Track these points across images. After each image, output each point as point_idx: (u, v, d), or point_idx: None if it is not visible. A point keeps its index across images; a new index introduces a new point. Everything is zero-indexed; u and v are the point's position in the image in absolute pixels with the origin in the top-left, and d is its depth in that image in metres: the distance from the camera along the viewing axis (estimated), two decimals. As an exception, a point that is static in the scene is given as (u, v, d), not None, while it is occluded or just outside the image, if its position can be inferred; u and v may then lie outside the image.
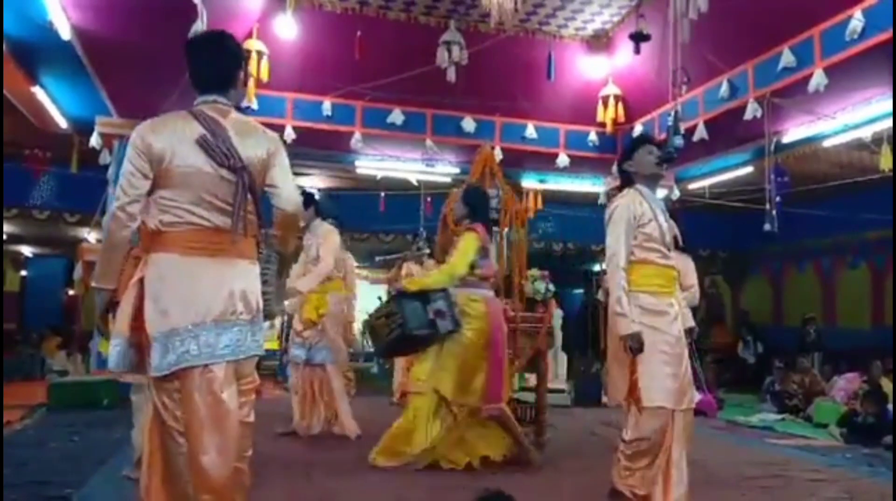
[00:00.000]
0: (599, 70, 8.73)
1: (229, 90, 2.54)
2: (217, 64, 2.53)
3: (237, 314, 2.40)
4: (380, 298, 9.96)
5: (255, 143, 2.49)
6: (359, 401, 6.11)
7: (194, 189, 2.37)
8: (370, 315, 4.54)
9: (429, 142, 8.52)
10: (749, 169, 8.75)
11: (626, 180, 3.48)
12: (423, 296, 4.21)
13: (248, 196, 2.44)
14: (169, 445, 2.38)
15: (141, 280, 2.40)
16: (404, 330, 4.13)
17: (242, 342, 2.41)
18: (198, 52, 2.55)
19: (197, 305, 2.34)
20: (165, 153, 2.36)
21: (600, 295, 11.52)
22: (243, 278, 2.45)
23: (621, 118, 8.77)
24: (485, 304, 4.38)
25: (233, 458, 2.36)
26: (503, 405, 4.38)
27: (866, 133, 6.89)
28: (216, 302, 2.36)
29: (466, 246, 4.29)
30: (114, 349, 2.43)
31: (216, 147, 2.38)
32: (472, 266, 4.31)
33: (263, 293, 2.56)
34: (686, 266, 4.64)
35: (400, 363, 7.09)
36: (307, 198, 5.63)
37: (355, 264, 6.62)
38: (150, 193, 2.40)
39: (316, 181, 10.74)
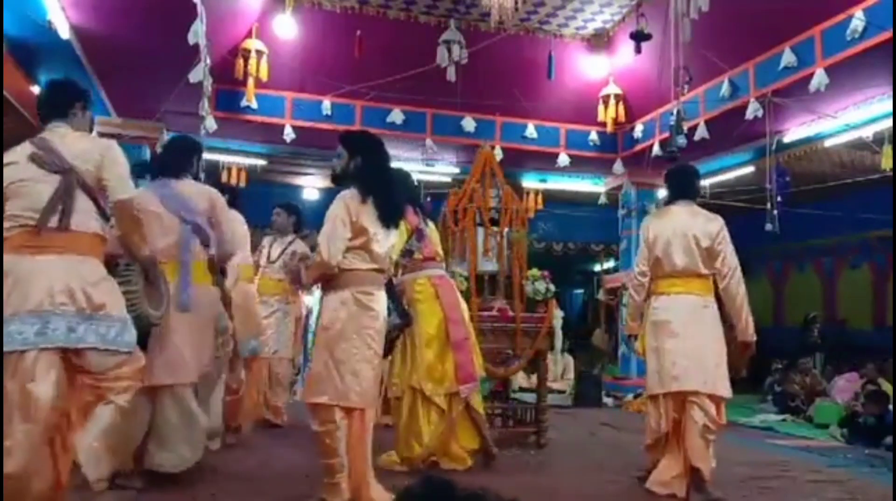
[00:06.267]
0: (600, 69, 8.72)
1: (69, 118, 2.89)
2: (57, 98, 2.94)
3: (57, 306, 2.56)
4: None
5: (85, 150, 2.78)
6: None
7: (26, 197, 2.65)
8: None
9: (429, 142, 8.51)
10: (750, 169, 8.73)
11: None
12: None
13: (79, 195, 2.70)
14: None
15: None
16: None
17: (65, 331, 2.55)
18: (45, 93, 2.97)
19: (13, 298, 2.54)
20: (9, 174, 2.68)
21: (601, 295, 11.53)
22: (71, 272, 2.63)
23: (622, 118, 8.77)
24: (430, 284, 4.23)
25: (37, 446, 2.51)
26: (476, 384, 4.24)
27: (867, 133, 6.88)
28: (33, 295, 2.54)
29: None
30: None
31: (45, 159, 2.69)
32: (410, 251, 4.19)
33: (127, 294, 2.80)
34: None
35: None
36: (291, 208, 5.88)
37: None
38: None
39: (316, 181, 10.70)
